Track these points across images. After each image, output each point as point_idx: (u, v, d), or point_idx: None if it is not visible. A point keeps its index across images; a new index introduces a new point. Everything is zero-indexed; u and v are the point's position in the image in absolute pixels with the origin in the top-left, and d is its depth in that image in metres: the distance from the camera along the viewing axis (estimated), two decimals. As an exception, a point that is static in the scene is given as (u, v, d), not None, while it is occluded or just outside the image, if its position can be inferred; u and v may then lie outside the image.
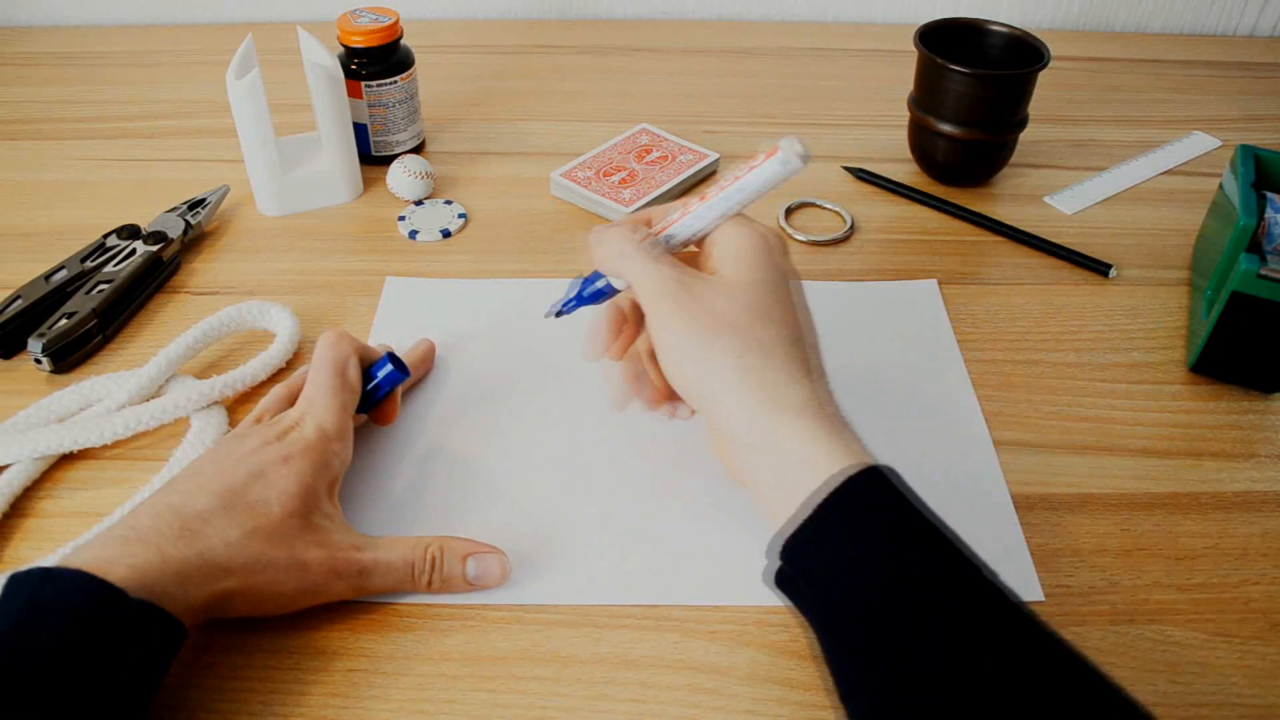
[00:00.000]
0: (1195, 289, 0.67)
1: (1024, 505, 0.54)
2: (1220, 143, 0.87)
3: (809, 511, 0.39)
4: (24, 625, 0.38)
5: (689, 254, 0.49)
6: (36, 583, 0.39)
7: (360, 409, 0.54)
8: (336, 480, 0.49)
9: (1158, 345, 0.65)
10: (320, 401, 0.50)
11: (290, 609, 0.46)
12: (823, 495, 0.39)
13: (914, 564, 0.38)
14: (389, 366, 0.54)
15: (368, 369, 0.54)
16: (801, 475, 0.40)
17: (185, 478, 0.46)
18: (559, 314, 0.52)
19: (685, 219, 0.48)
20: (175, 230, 0.69)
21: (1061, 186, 0.80)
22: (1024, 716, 0.34)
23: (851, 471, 0.39)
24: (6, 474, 0.53)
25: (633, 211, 0.73)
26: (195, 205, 0.72)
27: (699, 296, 0.45)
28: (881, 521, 0.39)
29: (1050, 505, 0.54)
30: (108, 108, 0.89)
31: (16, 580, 0.39)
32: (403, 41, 0.78)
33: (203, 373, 0.61)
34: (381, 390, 0.54)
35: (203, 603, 0.42)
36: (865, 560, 0.38)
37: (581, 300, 0.51)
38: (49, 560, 0.46)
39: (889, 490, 0.40)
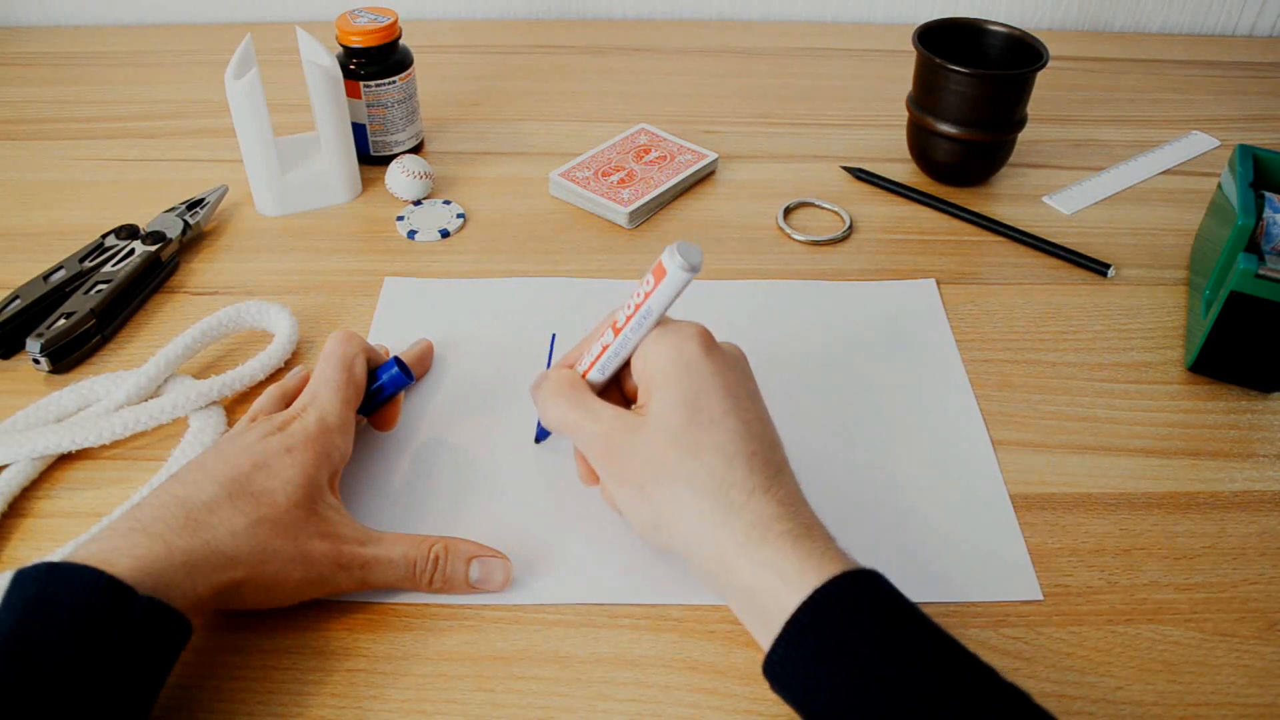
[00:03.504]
0: (1194, 289, 0.67)
1: (1022, 505, 0.54)
2: (1219, 142, 0.87)
3: (775, 634, 0.40)
4: (30, 621, 0.38)
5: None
6: (43, 578, 0.39)
7: (362, 410, 0.54)
8: (337, 473, 0.50)
9: (1156, 345, 0.65)
10: (324, 394, 0.50)
11: (295, 600, 0.46)
12: (782, 621, 0.39)
13: (883, 674, 0.37)
14: (395, 369, 0.54)
15: (373, 370, 0.54)
16: (767, 604, 0.41)
17: (188, 470, 0.46)
18: (538, 440, 0.56)
19: (604, 358, 0.48)
20: (174, 230, 0.69)
21: (1060, 186, 0.80)
22: None
23: (808, 591, 0.39)
24: (5, 474, 0.53)
25: (632, 212, 0.73)
26: (194, 205, 0.72)
27: (628, 454, 0.45)
28: (842, 635, 0.39)
29: (1048, 505, 0.54)
30: (107, 108, 0.89)
31: (23, 575, 0.39)
32: (401, 41, 0.78)
33: (201, 373, 0.61)
34: (385, 392, 0.54)
35: (210, 593, 0.42)
36: (834, 675, 0.38)
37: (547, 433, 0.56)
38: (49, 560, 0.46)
39: (852, 602, 0.39)
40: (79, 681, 0.37)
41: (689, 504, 0.43)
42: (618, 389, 0.51)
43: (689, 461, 0.43)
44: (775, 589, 0.40)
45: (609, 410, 0.47)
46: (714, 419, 0.44)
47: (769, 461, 0.44)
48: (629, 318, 0.47)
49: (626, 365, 0.49)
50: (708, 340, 0.46)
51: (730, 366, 0.46)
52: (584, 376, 0.49)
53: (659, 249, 0.72)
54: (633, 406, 0.48)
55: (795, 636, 0.39)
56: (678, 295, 0.46)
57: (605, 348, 0.48)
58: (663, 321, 0.47)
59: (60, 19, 1.06)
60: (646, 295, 0.46)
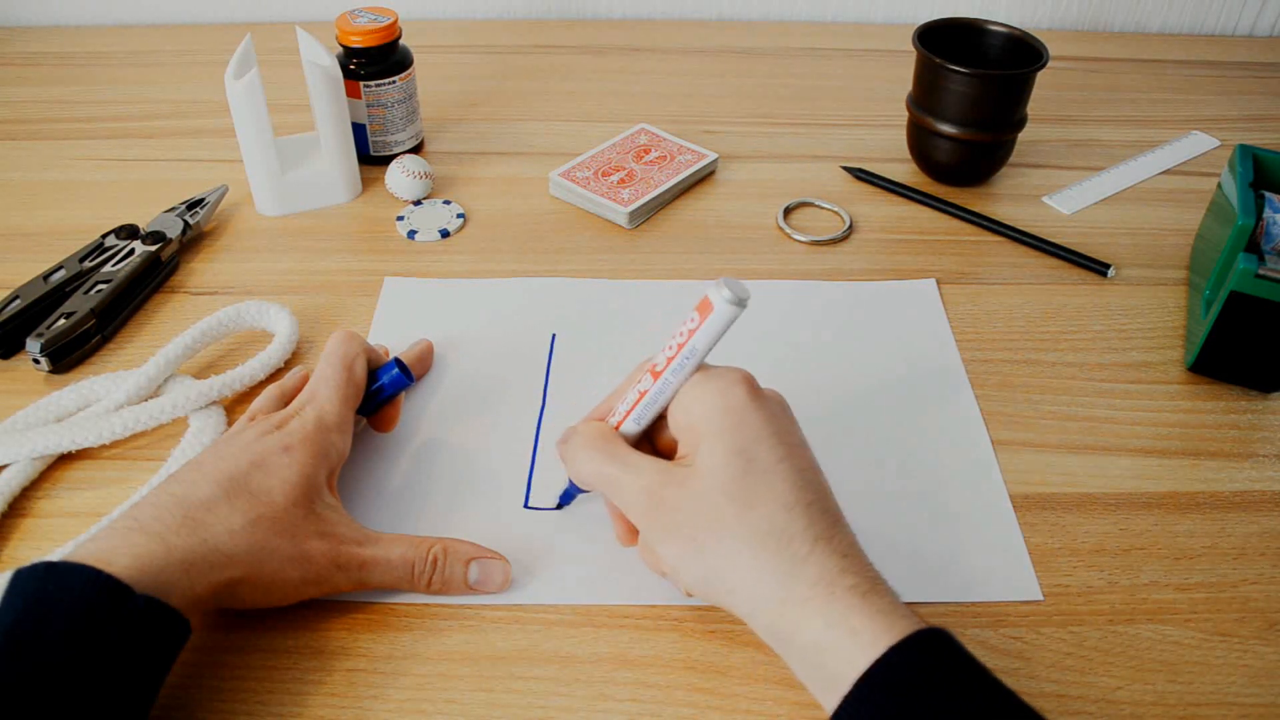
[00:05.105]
0: (1194, 289, 0.67)
1: (1022, 505, 0.54)
2: (1219, 142, 0.87)
3: (843, 693, 0.38)
4: (29, 620, 0.38)
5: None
6: (41, 577, 0.39)
7: (362, 410, 0.54)
8: (335, 472, 0.50)
9: (1156, 345, 0.65)
10: (323, 393, 0.51)
11: (294, 599, 0.46)
12: (851, 680, 0.37)
13: None
14: (395, 370, 0.54)
15: (374, 371, 0.54)
16: (835, 661, 0.38)
17: (186, 470, 0.46)
18: (560, 505, 0.53)
19: (641, 406, 0.46)
20: (174, 230, 0.69)
21: (1060, 186, 0.80)
22: None
23: (881, 650, 0.37)
24: (5, 474, 0.53)
25: (632, 212, 0.73)
26: (194, 205, 0.72)
27: (676, 508, 0.42)
28: (914, 696, 0.37)
29: (1049, 505, 0.54)
30: (107, 108, 0.89)
31: (21, 575, 0.39)
32: (401, 41, 0.78)
33: (201, 373, 0.61)
34: (385, 392, 0.54)
35: (208, 592, 0.42)
36: None
37: (575, 493, 0.52)
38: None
39: (925, 663, 0.37)
40: (78, 681, 0.37)
41: (747, 558, 0.41)
42: (649, 444, 0.48)
43: (746, 513, 0.41)
44: (845, 646, 0.38)
45: (650, 462, 0.44)
46: (769, 468, 0.42)
47: (826, 510, 0.42)
48: (670, 359, 0.44)
49: (658, 420, 0.47)
50: (754, 386, 0.44)
51: (778, 413, 0.44)
52: (617, 429, 0.47)
53: (659, 249, 0.72)
54: (673, 459, 0.46)
55: (866, 695, 0.37)
56: (724, 333, 0.43)
57: (642, 394, 0.45)
58: (701, 368, 0.45)
59: (60, 19, 1.06)
60: (690, 333, 0.43)
